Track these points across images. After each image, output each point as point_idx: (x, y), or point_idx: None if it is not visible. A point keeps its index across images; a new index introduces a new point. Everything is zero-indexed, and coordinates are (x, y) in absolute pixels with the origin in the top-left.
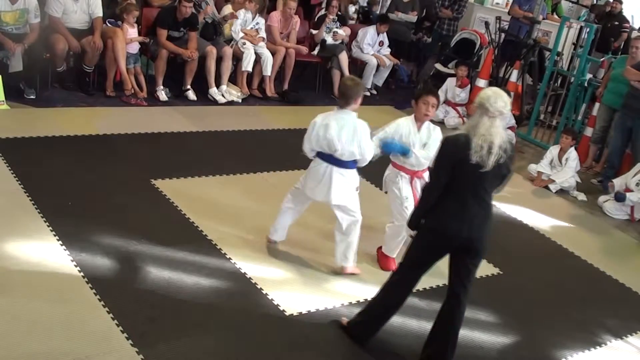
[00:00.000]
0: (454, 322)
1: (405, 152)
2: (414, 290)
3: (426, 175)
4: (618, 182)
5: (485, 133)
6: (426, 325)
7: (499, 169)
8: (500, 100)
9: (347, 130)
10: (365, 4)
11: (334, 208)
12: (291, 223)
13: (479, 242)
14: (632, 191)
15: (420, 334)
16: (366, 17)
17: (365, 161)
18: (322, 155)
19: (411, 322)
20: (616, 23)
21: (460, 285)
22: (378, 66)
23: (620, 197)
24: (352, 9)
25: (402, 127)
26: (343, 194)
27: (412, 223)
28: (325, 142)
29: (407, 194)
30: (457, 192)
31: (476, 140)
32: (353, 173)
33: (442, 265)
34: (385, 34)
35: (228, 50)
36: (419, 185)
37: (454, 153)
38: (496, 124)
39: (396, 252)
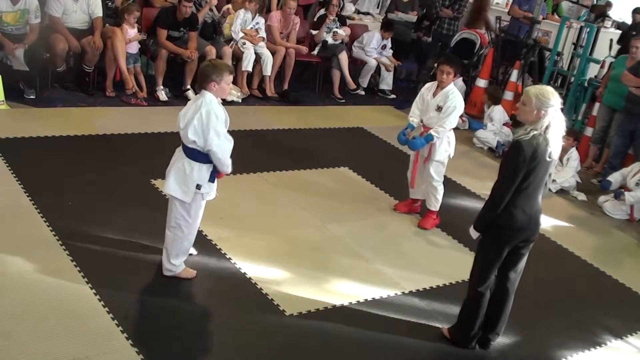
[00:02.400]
0: (507, 304)
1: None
2: (414, 290)
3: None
4: (614, 177)
5: (561, 128)
6: (426, 324)
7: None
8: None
9: (192, 108)
10: None
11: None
12: None
13: (537, 230)
14: (630, 190)
15: (421, 333)
16: None
17: (213, 154)
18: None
19: (412, 322)
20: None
21: (514, 274)
22: (379, 67)
23: (618, 194)
24: (351, 8)
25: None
26: (177, 186)
27: (481, 225)
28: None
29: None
30: (528, 188)
31: (558, 136)
32: (199, 168)
33: (439, 266)
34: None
35: (228, 50)
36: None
37: (532, 157)
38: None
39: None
